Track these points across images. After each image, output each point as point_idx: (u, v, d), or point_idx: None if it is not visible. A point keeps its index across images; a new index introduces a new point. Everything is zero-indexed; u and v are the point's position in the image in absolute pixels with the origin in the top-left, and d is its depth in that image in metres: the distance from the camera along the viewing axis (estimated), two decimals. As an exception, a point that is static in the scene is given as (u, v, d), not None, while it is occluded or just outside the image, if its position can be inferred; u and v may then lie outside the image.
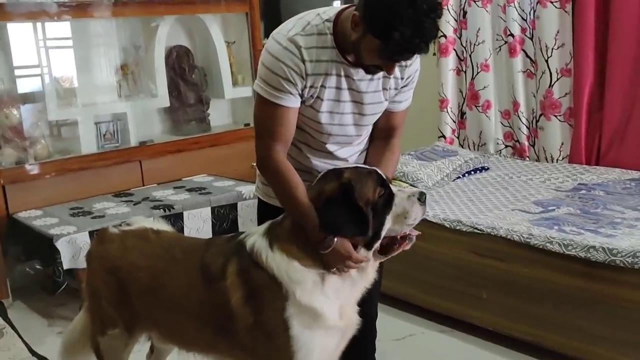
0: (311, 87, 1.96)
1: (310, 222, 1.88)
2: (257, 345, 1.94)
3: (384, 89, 2.05)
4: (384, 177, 1.94)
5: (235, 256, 1.96)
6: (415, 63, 2.06)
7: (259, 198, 2.33)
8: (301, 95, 1.97)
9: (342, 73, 1.98)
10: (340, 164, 2.06)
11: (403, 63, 1.98)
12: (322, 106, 2.01)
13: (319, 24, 1.95)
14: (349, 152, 2.17)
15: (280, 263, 1.87)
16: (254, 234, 1.99)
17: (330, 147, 2.12)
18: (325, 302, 1.88)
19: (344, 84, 2.00)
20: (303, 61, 1.92)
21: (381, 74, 1.99)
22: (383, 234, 1.90)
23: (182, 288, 2.08)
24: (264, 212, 2.22)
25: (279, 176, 1.97)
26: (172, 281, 2.10)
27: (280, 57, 1.92)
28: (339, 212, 1.84)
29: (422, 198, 1.91)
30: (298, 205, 1.92)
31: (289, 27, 1.96)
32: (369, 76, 1.99)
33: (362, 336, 2.09)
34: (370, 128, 2.17)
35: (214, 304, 1.98)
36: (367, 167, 1.98)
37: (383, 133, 2.19)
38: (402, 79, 2.06)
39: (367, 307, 2.09)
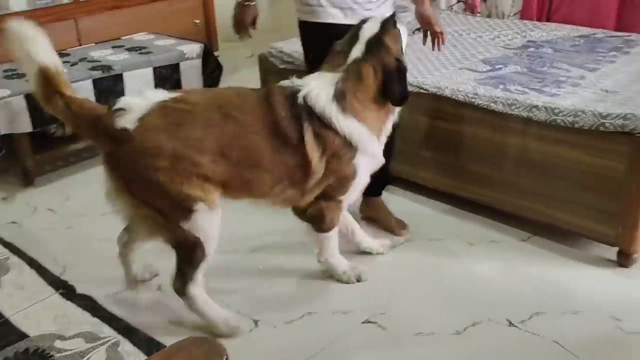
0: None
1: None
2: (323, 184, 2.39)
3: None
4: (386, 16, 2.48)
5: (307, 121, 2.27)
6: None
7: (304, 24, 2.73)
8: None
9: None
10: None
11: None
12: None
13: None
14: None
15: (353, 129, 2.32)
16: (320, 94, 2.28)
17: None
18: (379, 147, 2.46)
19: None
20: None
21: None
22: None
23: (259, 150, 2.23)
24: (313, 36, 2.71)
25: None
26: (246, 143, 2.21)
27: None
28: (399, 85, 2.40)
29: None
30: None
31: None
32: None
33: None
34: None
35: (293, 164, 2.28)
36: (378, 19, 2.41)
37: None
38: None
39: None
